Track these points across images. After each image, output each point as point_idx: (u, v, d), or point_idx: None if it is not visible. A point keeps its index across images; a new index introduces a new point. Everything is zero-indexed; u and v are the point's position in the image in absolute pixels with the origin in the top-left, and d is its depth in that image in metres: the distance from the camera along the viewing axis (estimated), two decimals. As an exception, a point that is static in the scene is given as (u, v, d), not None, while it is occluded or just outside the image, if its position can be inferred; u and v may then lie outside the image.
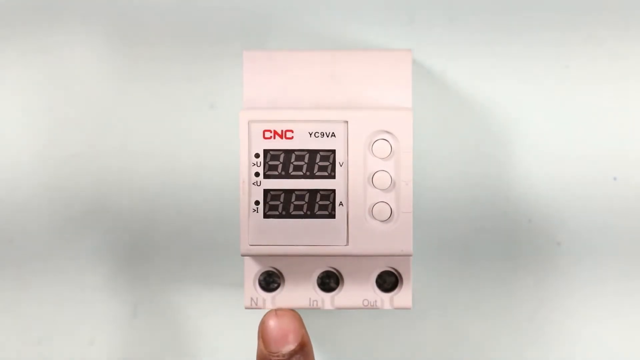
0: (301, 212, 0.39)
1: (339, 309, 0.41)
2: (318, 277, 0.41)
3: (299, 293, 0.41)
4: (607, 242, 0.46)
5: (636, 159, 0.46)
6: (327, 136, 0.39)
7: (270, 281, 0.42)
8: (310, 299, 0.41)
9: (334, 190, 0.39)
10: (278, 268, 0.41)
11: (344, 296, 0.41)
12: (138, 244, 0.46)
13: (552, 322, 0.47)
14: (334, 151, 0.39)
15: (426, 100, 0.45)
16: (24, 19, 0.47)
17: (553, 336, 0.47)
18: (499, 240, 0.47)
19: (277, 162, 0.39)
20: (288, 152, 0.39)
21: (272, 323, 0.40)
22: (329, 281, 0.42)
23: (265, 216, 0.39)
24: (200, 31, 0.46)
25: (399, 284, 0.41)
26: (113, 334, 0.47)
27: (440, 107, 0.45)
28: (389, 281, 0.42)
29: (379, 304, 0.41)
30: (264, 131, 0.39)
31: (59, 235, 0.47)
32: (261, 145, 0.39)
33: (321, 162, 0.39)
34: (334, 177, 0.39)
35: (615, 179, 0.46)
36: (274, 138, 0.39)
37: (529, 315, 0.47)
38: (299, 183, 0.39)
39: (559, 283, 0.47)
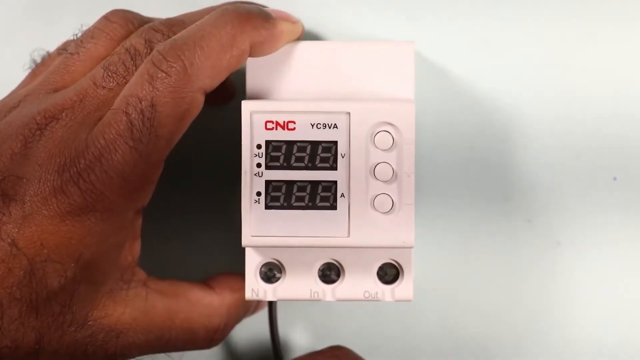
0: (303, 204, 0.39)
1: (339, 300, 0.41)
2: (319, 269, 0.41)
3: (300, 284, 0.41)
4: (607, 242, 0.46)
5: (636, 159, 0.46)
6: (329, 127, 0.39)
7: (271, 273, 0.41)
8: (311, 290, 0.41)
9: (335, 182, 0.39)
10: (279, 259, 0.41)
11: (345, 288, 0.41)
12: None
13: (552, 322, 0.47)
14: (335, 142, 0.39)
15: (428, 93, 0.45)
16: (23, 18, 0.47)
17: (553, 336, 0.47)
18: (499, 240, 0.47)
19: (278, 153, 0.39)
20: (290, 143, 0.39)
21: None
22: (330, 273, 0.41)
23: (267, 207, 0.39)
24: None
25: (400, 276, 0.41)
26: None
27: (442, 101, 0.46)
28: (390, 273, 0.41)
29: (380, 296, 0.41)
30: (266, 122, 0.39)
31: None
32: (263, 136, 0.39)
33: (323, 153, 0.39)
34: (335, 168, 0.39)
35: (615, 179, 0.46)
36: (276, 129, 0.39)
37: (528, 315, 0.47)
38: (300, 174, 0.39)
39: (559, 283, 0.47)
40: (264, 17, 0.38)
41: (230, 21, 0.37)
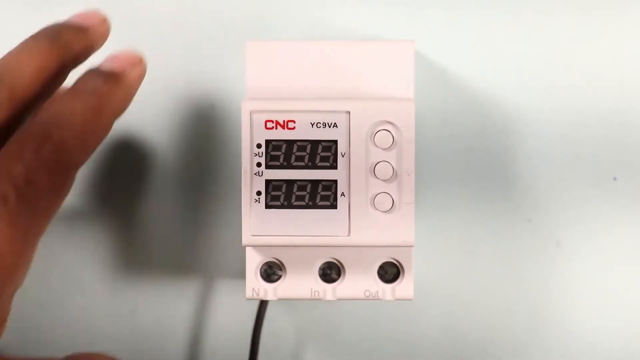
0: (303, 203, 0.39)
1: (340, 299, 0.41)
2: (320, 268, 0.41)
3: (300, 283, 0.41)
4: (607, 242, 0.46)
5: (636, 159, 0.46)
6: (329, 126, 0.39)
7: (271, 272, 0.41)
8: (311, 289, 0.41)
9: (335, 181, 0.39)
10: (280, 258, 0.41)
11: (345, 287, 0.41)
12: (138, 238, 0.46)
13: (551, 322, 0.47)
14: (335, 142, 0.39)
15: (428, 92, 0.45)
16: (22, 19, 0.47)
17: (553, 335, 0.47)
18: (499, 240, 0.47)
19: (279, 152, 0.39)
20: (290, 143, 0.39)
21: None
22: (331, 272, 0.41)
23: (267, 207, 0.39)
24: (201, 24, 0.46)
25: (400, 275, 0.41)
26: (113, 333, 0.47)
27: (442, 100, 0.46)
28: (390, 272, 0.41)
29: (380, 295, 0.41)
30: (266, 121, 0.39)
31: (58, 235, 0.47)
32: (263, 136, 0.39)
33: (323, 152, 0.39)
34: (335, 167, 0.39)
35: (615, 179, 0.46)
36: (276, 128, 0.39)
37: (528, 314, 0.47)
38: (300, 173, 0.39)
39: (559, 283, 0.47)
40: (116, 88, 0.36)
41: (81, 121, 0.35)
